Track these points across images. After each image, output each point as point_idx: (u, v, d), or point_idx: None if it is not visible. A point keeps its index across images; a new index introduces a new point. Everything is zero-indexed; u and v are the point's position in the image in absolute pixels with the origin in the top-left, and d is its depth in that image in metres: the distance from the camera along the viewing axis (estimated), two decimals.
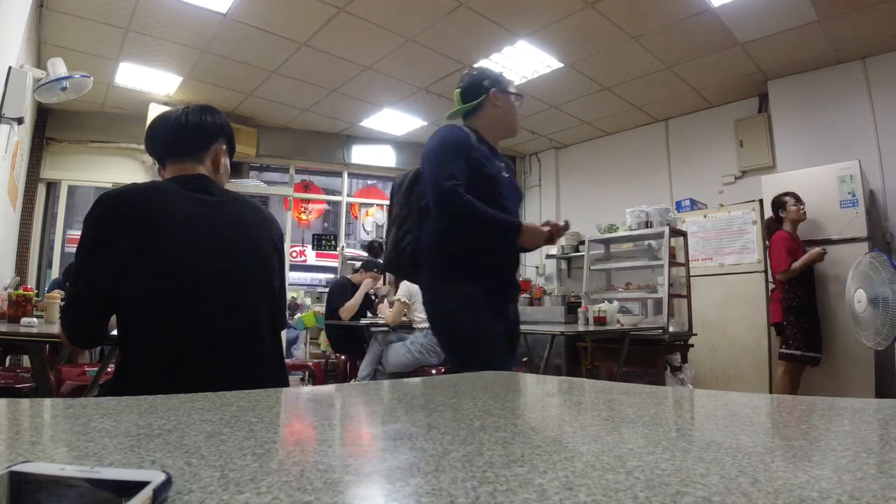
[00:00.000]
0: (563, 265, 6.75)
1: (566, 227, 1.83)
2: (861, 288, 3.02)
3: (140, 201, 1.15)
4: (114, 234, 1.11)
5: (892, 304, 2.83)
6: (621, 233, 4.28)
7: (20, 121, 2.98)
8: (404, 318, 3.85)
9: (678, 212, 5.00)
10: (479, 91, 1.89)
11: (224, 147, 1.34)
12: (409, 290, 3.70)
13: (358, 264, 4.93)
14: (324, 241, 6.75)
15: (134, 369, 1.12)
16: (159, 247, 1.11)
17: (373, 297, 4.44)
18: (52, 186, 5.89)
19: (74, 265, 1.15)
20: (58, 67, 3.25)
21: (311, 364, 4.91)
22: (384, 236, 6.94)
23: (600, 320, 3.54)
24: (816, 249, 3.64)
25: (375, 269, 4.36)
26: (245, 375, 1.15)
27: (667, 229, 3.89)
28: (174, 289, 1.11)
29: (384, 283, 4.81)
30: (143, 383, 1.08)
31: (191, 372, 1.10)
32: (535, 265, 6.94)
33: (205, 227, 1.18)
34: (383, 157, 7.10)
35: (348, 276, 4.53)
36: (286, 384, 1.28)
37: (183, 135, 1.27)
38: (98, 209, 1.13)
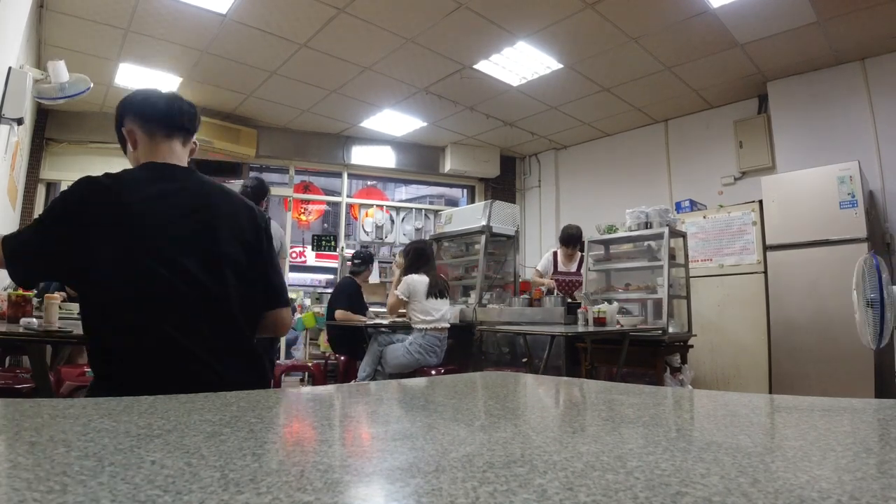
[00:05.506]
0: None
1: None
2: (857, 290, 3.06)
3: (119, 191, 1.14)
4: (84, 216, 1.10)
5: (886, 307, 2.88)
6: (621, 234, 4.28)
7: (20, 121, 2.97)
8: (404, 319, 3.83)
9: (678, 213, 5.00)
10: None
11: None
12: (408, 287, 3.68)
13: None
14: (323, 241, 6.74)
15: (98, 359, 1.12)
16: (127, 233, 1.11)
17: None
18: (51, 187, 5.89)
19: (37, 219, 1.15)
20: (59, 72, 3.21)
21: (310, 365, 4.89)
22: (383, 237, 6.98)
23: (600, 321, 3.53)
24: None
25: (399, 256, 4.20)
26: (210, 366, 1.10)
27: (666, 230, 3.89)
28: (137, 278, 1.09)
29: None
30: (110, 374, 1.09)
31: (151, 361, 1.08)
32: (534, 266, 6.92)
33: (175, 214, 1.17)
34: (383, 157, 7.09)
35: (351, 276, 4.48)
36: (265, 377, 1.22)
37: (185, 115, 1.33)
38: (79, 189, 1.13)
